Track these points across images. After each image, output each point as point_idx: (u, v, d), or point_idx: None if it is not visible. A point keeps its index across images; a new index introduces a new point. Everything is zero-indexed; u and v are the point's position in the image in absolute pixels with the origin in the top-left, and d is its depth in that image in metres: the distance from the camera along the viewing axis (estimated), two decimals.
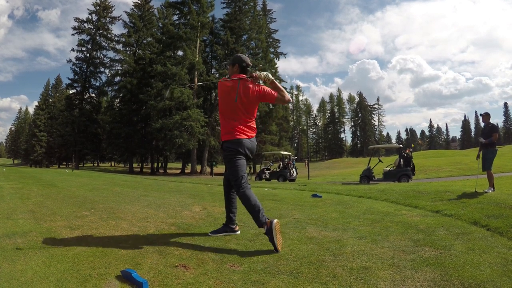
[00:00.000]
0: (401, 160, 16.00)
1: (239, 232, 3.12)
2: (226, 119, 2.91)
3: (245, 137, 2.87)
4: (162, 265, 2.18)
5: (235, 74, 2.93)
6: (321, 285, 1.91)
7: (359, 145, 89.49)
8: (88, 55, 43.36)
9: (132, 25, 39.79)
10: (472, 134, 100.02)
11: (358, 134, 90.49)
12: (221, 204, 5.20)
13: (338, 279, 1.99)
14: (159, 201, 5.36)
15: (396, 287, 1.87)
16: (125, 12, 41.20)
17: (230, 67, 2.98)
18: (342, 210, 4.42)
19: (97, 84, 44.54)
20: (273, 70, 41.54)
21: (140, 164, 43.55)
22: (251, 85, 2.87)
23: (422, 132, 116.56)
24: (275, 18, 52.58)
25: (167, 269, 2.11)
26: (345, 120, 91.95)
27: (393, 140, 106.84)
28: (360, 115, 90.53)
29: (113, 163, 61.05)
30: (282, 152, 25.16)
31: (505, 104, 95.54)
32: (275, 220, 2.60)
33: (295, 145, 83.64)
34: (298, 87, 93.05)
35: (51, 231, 3.04)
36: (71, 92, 45.61)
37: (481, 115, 6.76)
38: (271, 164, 25.70)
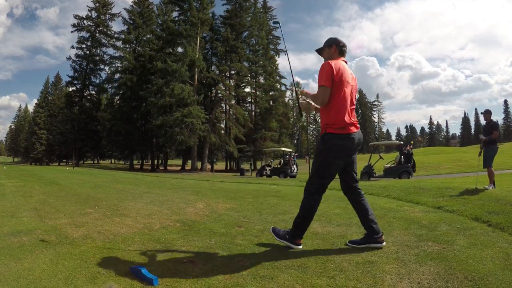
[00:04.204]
0: (402, 156, 16.03)
1: (384, 243, 2.56)
2: (343, 106, 2.51)
3: (356, 130, 2.55)
4: (170, 262, 2.20)
5: (337, 57, 2.61)
6: (328, 279, 1.94)
7: None
8: (87, 52, 43.16)
9: (131, 22, 39.52)
10: (472, 131, 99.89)
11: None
12: (224, 200, 5.21)
13: (345, 272, 2.03)
14: (162, 198, 5.38)
15: (401, 280, 1.90)
16: (125, 8, 40.95)
17: (326, 50, 2.67)
18: (344, 206, 4.45)
19: (97, 81, 44.37)
20: (274, 67, 41.44)
21: (140, 161, 43.49)
22: None
23: (422, 129, 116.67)
24: (275, 15, 52.30)
25: (175, 265, 2.13)
26: None
27: (393, 137, 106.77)
28: (360, 111, 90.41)
29: (113, 161, 61.03)
30: (283, 149, 25.18)
31: (505, 101, 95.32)
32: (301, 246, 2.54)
33: (295, 141, 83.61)
34: (297, 84, 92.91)
35: (56, 229, 3.05)
36: (70, 89, 45.40)
37: (482, 113, 6.77)
38: (272, 160, 25.69)
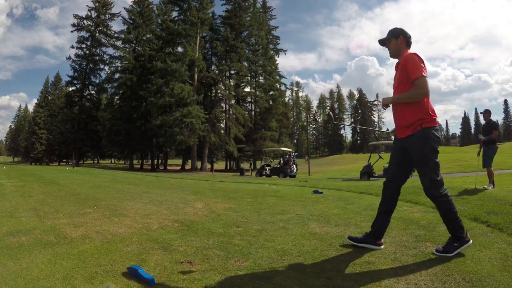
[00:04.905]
0: None
1: (382, 246, 2.56)
2: (429, 99, 2.45)
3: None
4: (167, 262, 2.20)
5: (405, 49, 2.57)
6: (326, 279, 1.94)
7: (359, 142, 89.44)
8: (87, 52, 43.18)
9: (131, 21, 39.51)
10: (472, 131, 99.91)
11: (358, 131, 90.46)
12: (223, 200, 5.21)
13: (342, 273, 2.03)
14: (161, 198, 5.38)
15: (399, 281, 1.90)
16: (124, 8, 40.92)
17: (393, 41, 2.59)
18: (343, 206, 4.45)
19: (97, 81, 44.43)
20: (273, 67, 41.41)
21: (140, 161, 43.50)
22: None
23: None
24: (275, 15, 52.34)
25: (173, 266, 2.13)
26: (345, 117, 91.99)
27: (393, 137, 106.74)
28: (360, 111, 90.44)
29: (113, 160, 61.05)
30: (282, 148, 25.18)
31: (505, 101, 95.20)
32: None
33: (295, 141, 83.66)
34: (298, 84, 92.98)
35: (55, 229, 3.05)
36: (70, 89, 45.45)
37: (481, 113, 6.76)
38: (272, 160, 25.67)
